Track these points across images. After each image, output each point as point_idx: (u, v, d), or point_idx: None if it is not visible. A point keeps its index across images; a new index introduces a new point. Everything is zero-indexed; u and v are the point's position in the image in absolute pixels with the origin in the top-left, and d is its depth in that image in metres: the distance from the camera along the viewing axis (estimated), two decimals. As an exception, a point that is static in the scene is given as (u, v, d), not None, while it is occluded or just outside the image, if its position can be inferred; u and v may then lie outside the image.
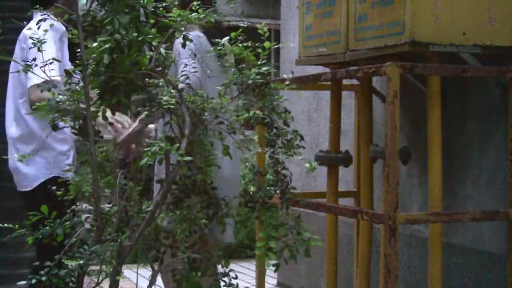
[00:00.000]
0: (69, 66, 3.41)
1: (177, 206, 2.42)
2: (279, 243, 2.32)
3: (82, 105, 2.40)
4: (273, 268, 2.35)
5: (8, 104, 3.72)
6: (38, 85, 2.55)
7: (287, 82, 2.45)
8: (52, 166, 3.61)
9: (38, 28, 2.55)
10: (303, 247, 2.31)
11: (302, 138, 2.41)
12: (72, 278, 2.47)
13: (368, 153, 3.62)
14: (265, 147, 2.51)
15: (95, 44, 2.22)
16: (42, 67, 2.44)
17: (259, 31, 2.50)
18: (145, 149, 2.23)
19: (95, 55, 2.22)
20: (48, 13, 2.57)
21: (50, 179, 3.52)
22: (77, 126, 2.43)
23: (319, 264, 4.66)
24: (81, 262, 2.36)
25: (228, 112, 2.37)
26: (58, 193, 2.59)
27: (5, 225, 2.61)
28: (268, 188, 2.42)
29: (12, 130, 3.67)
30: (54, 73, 2.66)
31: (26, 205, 3.59)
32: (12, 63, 3.34)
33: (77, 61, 2.34)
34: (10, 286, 4.65)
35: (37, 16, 3.68)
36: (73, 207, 2.59)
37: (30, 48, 3.16)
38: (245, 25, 13.70)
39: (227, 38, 2.49)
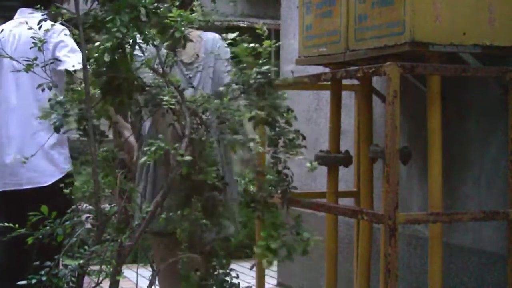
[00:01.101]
0: None
1: (183, 206, 2.42)
2: (278, 242, 2.32)
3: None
4: (273, 268, 2.36)
5: (21, 101, 3.65)
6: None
7: (289, 82, 2.45)
8: (68, 161, 3.66)
9: (40, 28, 2.56)
10: (301, 247, 2.31)
11: (304, 138, 2.41)
12: (72, 278, 2.47)
13: (368, 153, 3.62)
14: (266, 146, 2.51)
15: (97, 44, 2.23)
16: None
17: (257, 31, 2.50)
18: (145, 148, 2.24)
19: (96, 54, 2.23)
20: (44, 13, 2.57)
21: (67, 174, 3.55)
22: (81, 128, 2.43)
23: (319, 264, 4.66)
24: (81, 262, 2.36)
25: (230, 112, 2.37)
26: (66, 192, 2.62)
27: (6, 224, 2.61)
28: (269, 187, 2.42)
29: (33, 122, 3.59)
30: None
31: (31, 203, 3.47)
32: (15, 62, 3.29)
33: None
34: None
35: (24, 13, 3.68)
36: (74, 206, 2.60)
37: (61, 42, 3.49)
38: (245, 25, 13.71)
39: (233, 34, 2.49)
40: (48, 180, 3.58)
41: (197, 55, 3.42)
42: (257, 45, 2.45)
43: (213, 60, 3.42)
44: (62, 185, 2.75)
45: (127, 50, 2.25)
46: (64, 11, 2.41)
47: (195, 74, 3.41)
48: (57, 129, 2.38)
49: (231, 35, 2.43)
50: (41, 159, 3.53)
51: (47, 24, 2.50)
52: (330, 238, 3.87)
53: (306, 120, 5.10)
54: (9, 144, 3.65)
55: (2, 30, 3.76)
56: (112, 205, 2.56)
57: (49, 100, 2.42)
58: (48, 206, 2.54)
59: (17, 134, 3.64)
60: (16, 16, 3.77)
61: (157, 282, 2.72)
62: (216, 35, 3.47)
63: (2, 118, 3.70)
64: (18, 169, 3.59)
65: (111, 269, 2.41)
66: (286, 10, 5.51)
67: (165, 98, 2.33)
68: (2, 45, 3.67)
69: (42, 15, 2.52)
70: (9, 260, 3.71)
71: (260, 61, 2.42)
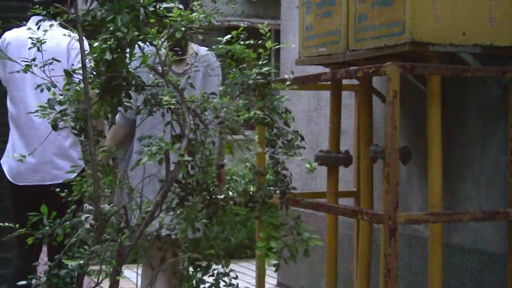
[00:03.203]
0: None
1: (181, 205, 2.42)
2: (279, 243, 2.32)
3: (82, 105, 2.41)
4: (273, 268, 2.35)
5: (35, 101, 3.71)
6: None
7: (287, 83, 2.44)
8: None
9: (38, 28, 2.57)
10: (303, 247, 2.31)
11: (302, 139, 2.41)
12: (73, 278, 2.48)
13: (368, 153, 3.62)
14: (265, 147, 2.51)
15: (96, 44, 2.23)
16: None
17: (261, 31, 2.50)
18: (145, 149, 2.23)
19: (95, 54, 2.23)
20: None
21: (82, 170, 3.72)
22: (77, 127, 2.44)
23: (319, 264, 4.66)
24: (81, 262, 2.36)
25: (229, 112, 2.37)
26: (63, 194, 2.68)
27: (6, 224, 2.61)
28: (268, 188, 2.42)
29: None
30: None
31: (53, 195, 3.55)
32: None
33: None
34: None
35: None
36: (73, 206, 2.60)
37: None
38: (245, 25, 13.69)
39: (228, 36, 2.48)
40: (69, 176, 3.76)
41: (187, 66, 3.47)
42: (255, 41, 2.45)
43: (201, 77, 3.47)
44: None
45: (126, 50, 2.25)
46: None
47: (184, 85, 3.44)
48: (54, 127, 2.42)
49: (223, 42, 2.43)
50: (63, 158, 3.84)
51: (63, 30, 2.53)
52: (330, 238, 3.86)
53: (306, 120, 5.10)
54: (33, 145, 3.73)
55: (18, 36, 3.82)
56: (112, 205, 2.56)
57: (48, 100, 2.44)
58: (66, 197, 2.65)
59: (40, 135, 3.74)
60: (30, 24, 3.80)
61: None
62: (209, 53, 3.30)
63: (22, 120, 3.85)
64: (43, 167, 3.85)
65: (111, 269, 2.41)
66: (286, 10, 5.51)
67: (165, 98, 2.33)
68: (19, 50, 3.72)
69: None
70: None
71: (260, 62, 2.41)
